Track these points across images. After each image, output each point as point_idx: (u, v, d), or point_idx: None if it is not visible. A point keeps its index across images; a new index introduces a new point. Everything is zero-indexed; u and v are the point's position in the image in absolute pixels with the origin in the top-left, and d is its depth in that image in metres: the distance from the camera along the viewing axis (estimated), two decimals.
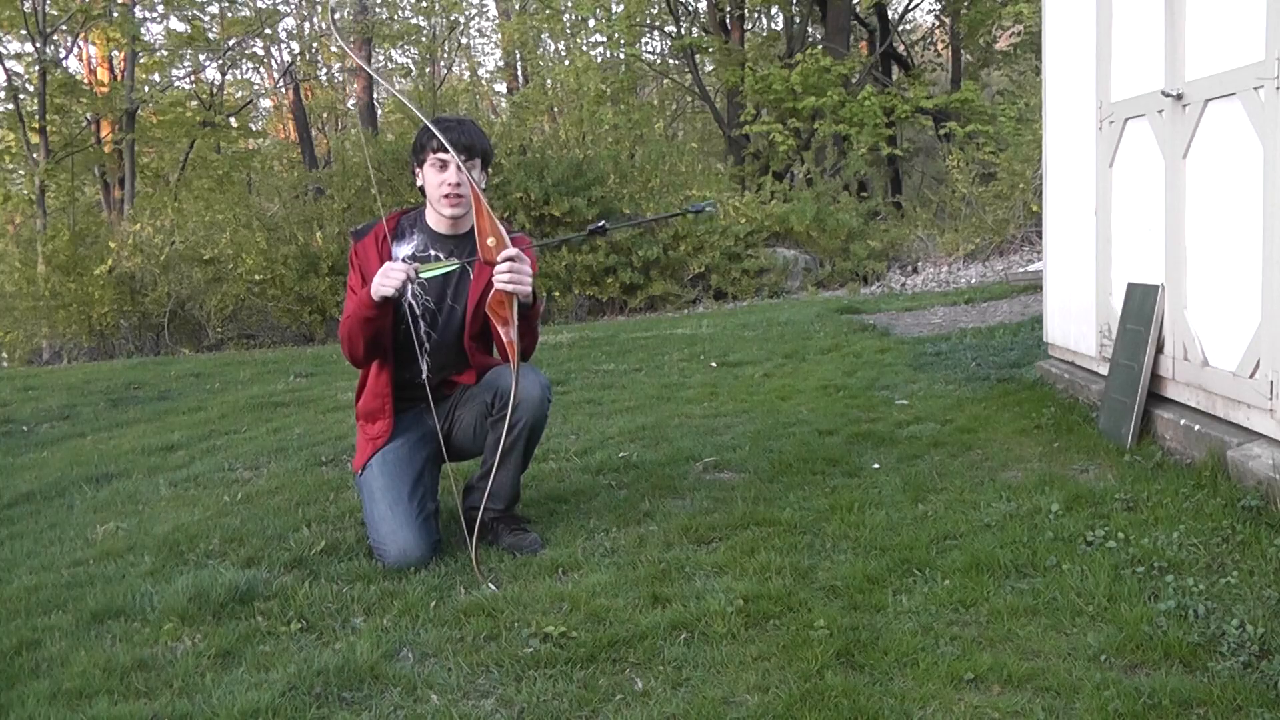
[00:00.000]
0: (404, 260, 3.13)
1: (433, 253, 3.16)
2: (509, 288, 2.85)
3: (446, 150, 3.03)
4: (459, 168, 3.04)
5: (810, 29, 19.72)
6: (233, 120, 20.38)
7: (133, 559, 3.21)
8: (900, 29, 21.77)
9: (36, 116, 16.37)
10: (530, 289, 2.89)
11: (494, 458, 3.10)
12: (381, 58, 24.81)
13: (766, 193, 13.60)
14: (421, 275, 3.05)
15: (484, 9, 27.53)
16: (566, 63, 21.60)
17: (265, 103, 25.49)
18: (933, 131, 19.08)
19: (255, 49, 20.65)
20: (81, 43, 18.93)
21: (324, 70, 23.03)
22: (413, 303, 3.17)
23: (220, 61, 19.91)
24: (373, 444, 3.19)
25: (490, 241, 2.89)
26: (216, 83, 21.23)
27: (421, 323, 3.19)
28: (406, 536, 3.00)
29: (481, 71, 28.10)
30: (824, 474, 3.74)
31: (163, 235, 12.30)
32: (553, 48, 23.74)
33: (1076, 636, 2.35)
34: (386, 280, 2.92)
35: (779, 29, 21.84)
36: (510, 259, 2.84)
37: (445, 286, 3.18)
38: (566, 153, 13.04)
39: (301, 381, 7.06)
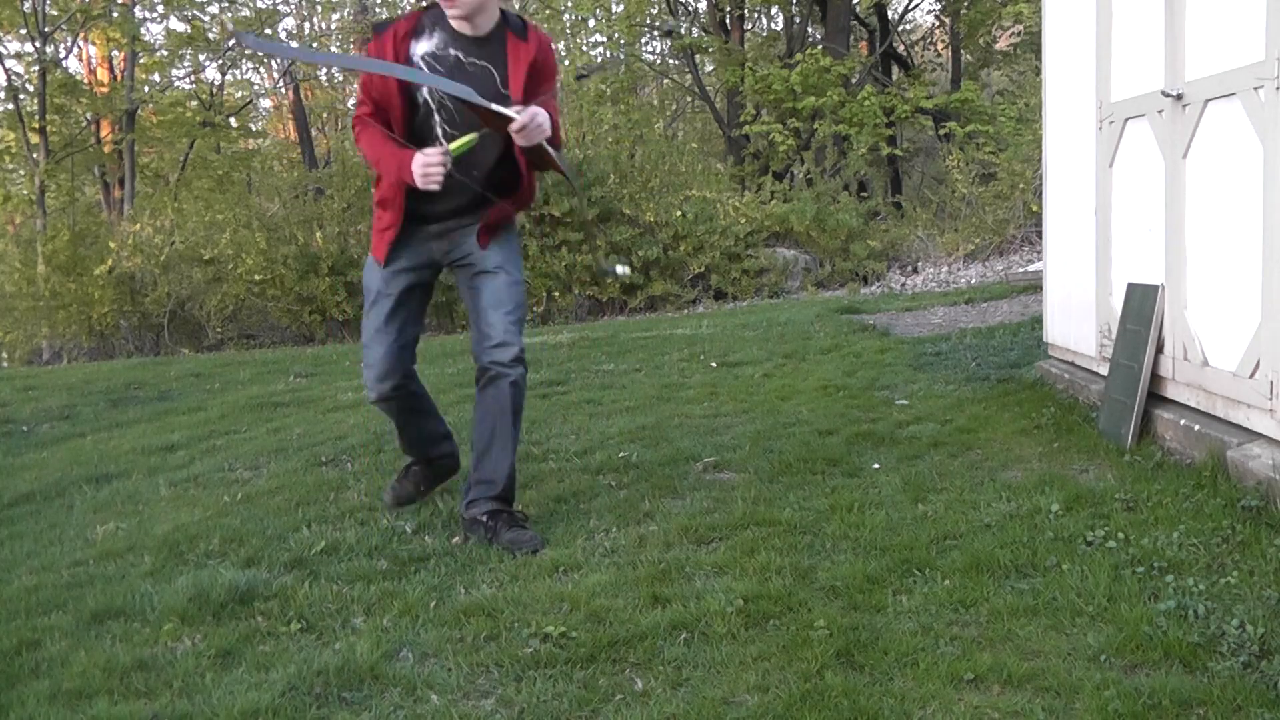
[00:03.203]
0: (421, 58, 3.12)
1: (452, 52, 3.12)
2: (531, 142, 2.99)
3: None
4: None
5: (810, 29, 19.71)
6: (233, 120, 20.38)
7: (133, 559, 3.21)
8: (900, 29, 21.77)
9: (36, 116, 16.37)
10: (545, 134, 3.00)
11: (482, 438, 3.20)
12: None
13: (766, 193, 13.59)
14: (452, 153, 3.06)
15: None
16: (566, 63, 21.59)
17: (265, 103, 25.51)
18: (933, 131, 19.07)
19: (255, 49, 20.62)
20: (81, 43, 18.93)
21: (324, 70, 23.01)
22: (429, 99, 3.15)
23: (220, 61, 19.91)
24: (382, 236, 3.26)
25: (498, 119, 2.98)
26: (216, 83, 21.25)
27: (439, 115, 3.16)
28: (376, 353, 3.26)
29: None
30: (824, 474, 3.74)
31: (163, 235, 12.30)
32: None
33: (1076, 636, 2.35)
34: (429, 178, 3.02)
35: (779, 29, 21.84)
36: (521, 127, 2.93)
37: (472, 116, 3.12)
38: (566, 153, 13.04)
39: (301, 381, 7.06)
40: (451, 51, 3.13)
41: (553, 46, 3.31)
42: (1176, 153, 3.67)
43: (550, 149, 3.06)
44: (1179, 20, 3.61)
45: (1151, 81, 3.84)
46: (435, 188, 3.02)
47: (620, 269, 3.31)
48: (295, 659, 2.41)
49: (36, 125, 16.34)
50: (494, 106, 2.97)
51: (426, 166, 3.00)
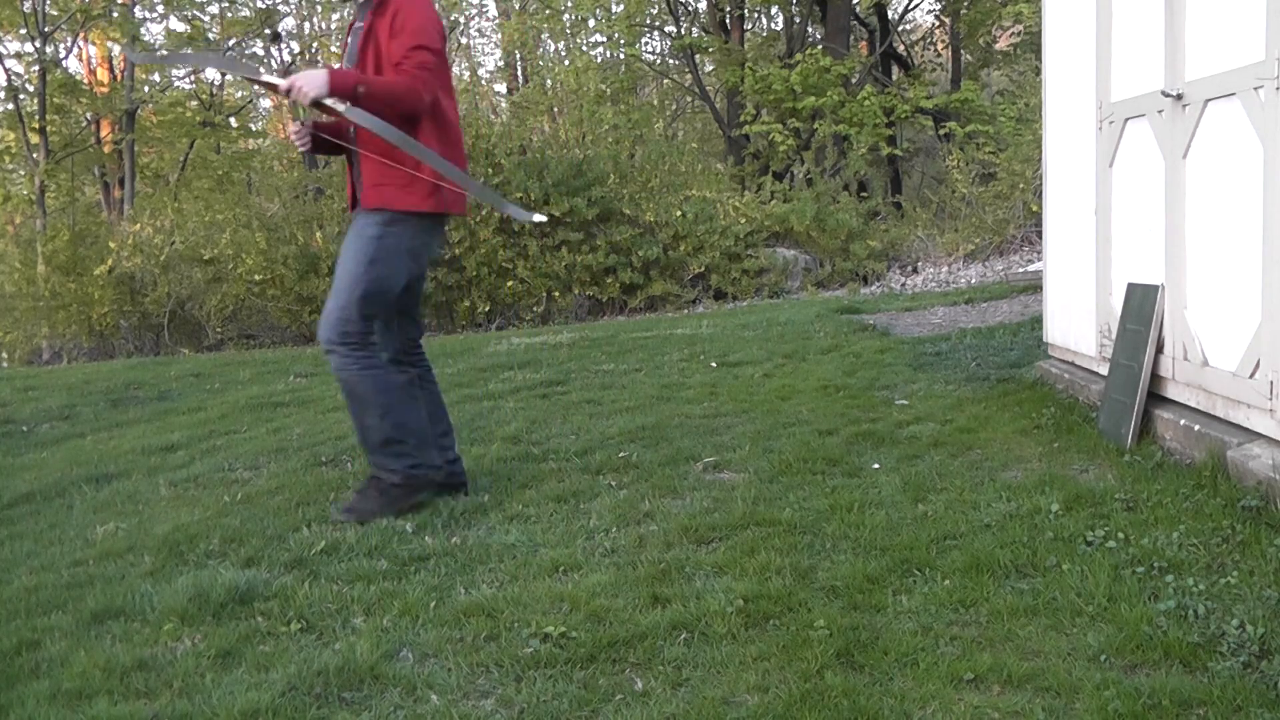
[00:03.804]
0: (349, 37, 3.55)
1: (357, 24, 3.50)
2: (302, 103, 3.23)
3: None
4: None
5: (810, 29, 19.71)
6: (232, 120, 20.37)
7: (133, 559, 3.21)
8: (900, 29, 21.77)
9: (36, 116, 16.38)
10: (311, 94, 3.18)
11: None
12: None
13: (766, 193, 13.58)
14: (305, 119, 3.54)
15: (484, 9, 27.50)
16: (566, 63, 21.58)
17: (265, 103, 25.48)
18: (933, 131, 19.07)
19: (255, 49, 20.65)
20: (81, 43, 18.94)
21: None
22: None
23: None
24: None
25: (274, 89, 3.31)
26: (216, 83, 21.23)
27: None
28: None
29: (481, 71, 28.06)
30: (824, 474, 3.74)
31: (163, 235, 12.30)
32: (553, 48, 23.72)
33: (1076, 636, 2.35)
34: (296, 143, 3.59)
35: (779, 29, 21.84)
36: (284, 92, 3.22)
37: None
38: (566, 153, 13.03)
39: (301, 381, 7.06)
40: (357, 24, 3.52)
41: (398, 3, 3.43)
42: (1176, 153, 3.67)
43: (337, 106, 3.20)
44: (1179, 20, 3.61)
45: (1151, 81, 3.84)
46: (303, 149, 3.54)
47: (536, 216, 3.42)
48: (295, 659, 2.41)
49: (36, 125, 16.35)
50: (263, 78, 3.33)
51: (291, 135, 3.54)
